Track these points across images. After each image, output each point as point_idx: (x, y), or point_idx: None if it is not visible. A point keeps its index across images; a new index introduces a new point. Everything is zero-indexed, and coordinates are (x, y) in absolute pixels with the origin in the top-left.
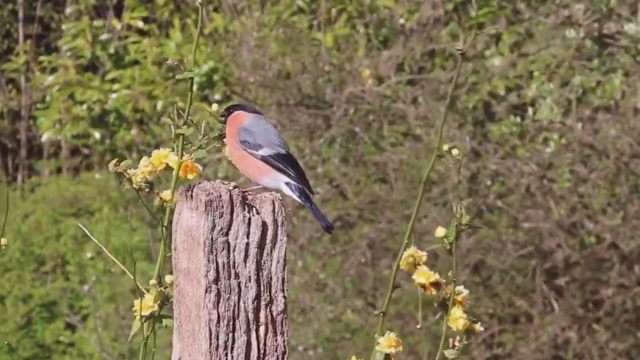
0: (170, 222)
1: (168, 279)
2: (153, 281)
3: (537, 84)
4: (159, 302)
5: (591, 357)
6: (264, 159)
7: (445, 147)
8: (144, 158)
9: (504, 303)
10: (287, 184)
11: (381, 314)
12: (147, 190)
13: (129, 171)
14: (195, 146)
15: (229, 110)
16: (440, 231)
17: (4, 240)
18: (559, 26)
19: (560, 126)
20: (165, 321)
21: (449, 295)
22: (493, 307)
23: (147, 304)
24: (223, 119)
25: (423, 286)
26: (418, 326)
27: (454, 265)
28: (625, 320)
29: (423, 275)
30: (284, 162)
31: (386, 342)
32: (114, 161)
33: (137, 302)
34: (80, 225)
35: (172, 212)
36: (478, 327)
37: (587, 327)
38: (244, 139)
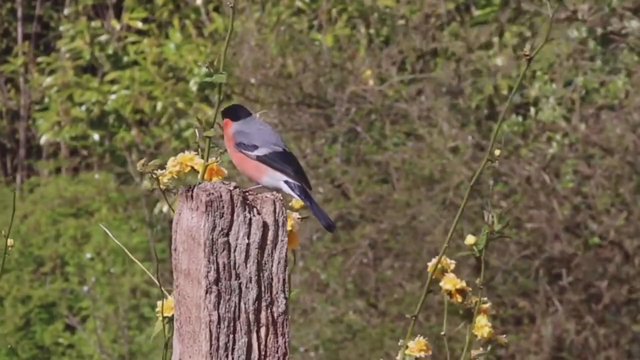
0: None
1: None
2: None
3: (540, 84)
4: None
5: (592, 355)
6: (259, 159)
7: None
8: (172, 158)
9: (506, 304)
10: (286, 182)
11: (412, 318)
12: (173, 191)
13: (157, 171)
14: (222, 149)
15: (226, 112)
16: (470, 239)
17: (10, 241)
18: (563, 22)
19: (564, 126)
20: None
21: (473, 303)
22: (495, 308)
23: (170, 305)
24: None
25: (449, 293)
26: (442, 333)
27: (482, 272)
28: (626, 312)
29: (450, 282)
30: (281, 160)
31: (416, 346)
32: (142, 160)
33: (160, 303)
34: (104, 228)
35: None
36: (502, 338)
37: (591, 327)
38: (239, 141)
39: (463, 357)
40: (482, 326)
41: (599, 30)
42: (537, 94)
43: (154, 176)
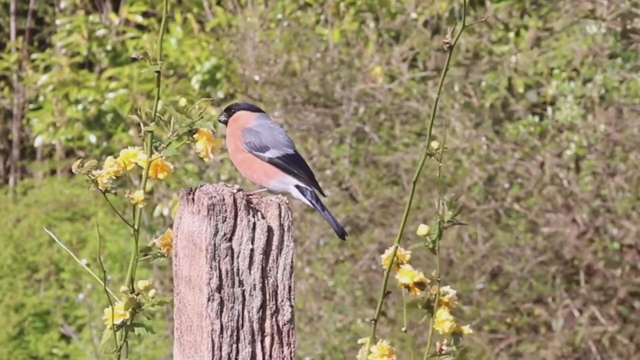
0: (166, 225)
1: (141, 284)
2: (124, 288)
3: (557, 82)
4: (130, 309)
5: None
6: (271, 162)
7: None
8: (109, 157)
9: (522, 312)
10: (297, 186)
11: (372, 321)
12: (114, 192)
13: (94, 172)
14: (165, 143)
15: (231, 110)
16: (422, 229)
17: None
18: (581, 20)
19: (582, 126)
20: (137, 329)
21: (434, 297)
22: (511, 316)
23: (118, 312)
24: (224, 119)
25: (407, 286)
26: (403, 329)
27: (437, 264)
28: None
29: (407, 275)
30: (293, 163)
31: (379, 351)
32: (78, 162)
33: (107, 310)
34: (48, 231)
35: (142, 213)
36: (467, 329)
37: (609, 337)
38: (248, 141)
39: (426, 353)
40: (443, 320)
41: (619, 30)
42: (554, 92)
43: (91, 178)
